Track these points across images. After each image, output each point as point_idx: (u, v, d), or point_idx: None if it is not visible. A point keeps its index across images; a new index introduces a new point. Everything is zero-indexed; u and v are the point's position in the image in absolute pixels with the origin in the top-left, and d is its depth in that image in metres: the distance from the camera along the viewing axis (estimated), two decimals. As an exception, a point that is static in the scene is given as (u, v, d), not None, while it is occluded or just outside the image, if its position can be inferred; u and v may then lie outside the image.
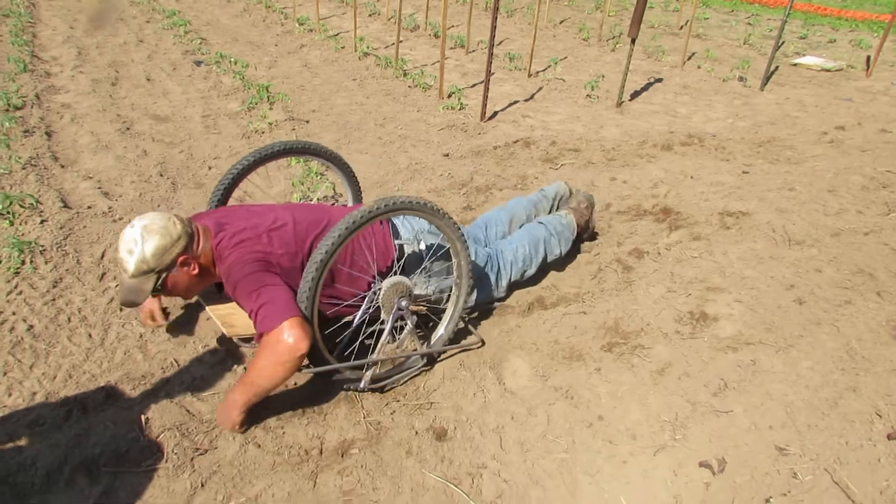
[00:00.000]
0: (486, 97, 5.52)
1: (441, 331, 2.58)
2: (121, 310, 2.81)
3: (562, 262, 3.28)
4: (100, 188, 4.17)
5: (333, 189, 4.06)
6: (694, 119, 5.77)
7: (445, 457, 2.17)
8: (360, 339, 2.45)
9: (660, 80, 6.99)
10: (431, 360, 2.59)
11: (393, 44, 8.34)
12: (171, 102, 5.92)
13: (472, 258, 2.73)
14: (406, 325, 2.42)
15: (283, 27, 9.35)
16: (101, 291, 2.99)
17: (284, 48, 8.12)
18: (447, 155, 4.84)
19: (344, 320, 2.46)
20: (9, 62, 6.78)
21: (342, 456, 2.16)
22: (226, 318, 2.41)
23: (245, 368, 2.53)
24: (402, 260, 2.51)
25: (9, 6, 9.50)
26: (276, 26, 9.42)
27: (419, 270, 2.55)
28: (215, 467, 2.11)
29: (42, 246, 3.40)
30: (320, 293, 2.16)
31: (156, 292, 2.16)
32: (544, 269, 3.12)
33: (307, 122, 5.49)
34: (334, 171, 3.15)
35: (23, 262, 3.29)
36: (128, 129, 5.24)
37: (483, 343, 2.69)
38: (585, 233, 3.35)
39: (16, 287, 2.99)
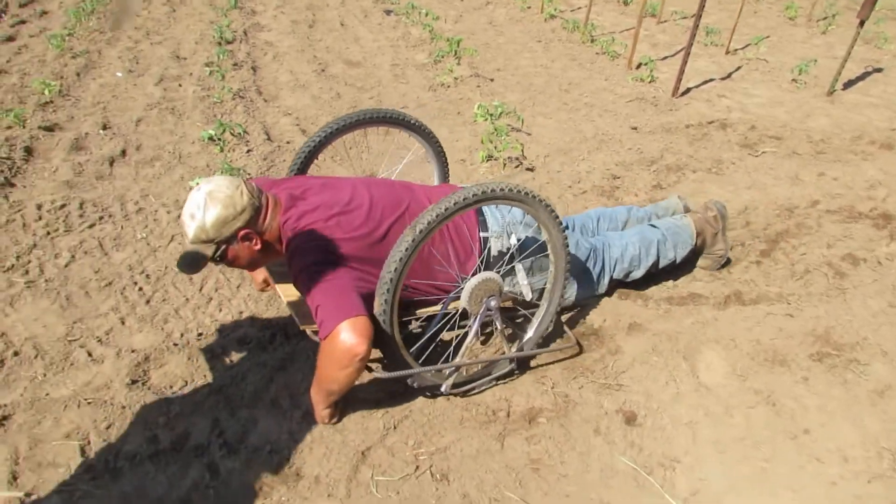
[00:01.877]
0: (682, 71, 5.17)
1: (531, 332, 2.33)
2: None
3: (757, 256, 3.03)
4: (298, 125, 4.40)
5: (522, 151, 4.00)
6: (923, 116, 5.06)
7: (635, 443, 2.09)
8: (437, 339, 2.27)
9: (879, 70, 6.19)
10: (521, 362, 2.37)
11: (579, 7, 8.05)
12: (363, 49, 6.11)
13: (574, 250, 2.49)
14: (495, 325, 2.21)
15: (466, -18, 9.30)
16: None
17: (470, 4, 8.09)
18: (635, 128, 4.61)
19: (425, 315, 2.28)
20: (221, -1, 7.30)
21: (529, 423, 2.14)
22: (300, 306, 2.18)
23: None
24: (485, 255, 2.26)
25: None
26: (459, -20, 9.39)
27: (504, 266, 2.27)
28: (406, 412, 2.17)
29: (248, 174, 3.65)
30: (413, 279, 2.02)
31: (215, 262, 2.01)
32: (654, 274, 2.78)
33: (492, 80, 5.44)
34: (421, 144, 2.86)
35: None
36: (323, 70, 5.48)
37: (581, 349, 2.46)
38: (711, 249, 2.89)
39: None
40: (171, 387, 2.28)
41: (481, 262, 2.24)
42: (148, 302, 2.68)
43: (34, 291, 2.70)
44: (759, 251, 3.12)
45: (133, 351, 2.41)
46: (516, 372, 2.34)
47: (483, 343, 2.48)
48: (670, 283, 2.86)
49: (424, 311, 2.25)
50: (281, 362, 2.37)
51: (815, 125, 4.77)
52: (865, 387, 2.32)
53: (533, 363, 2.39)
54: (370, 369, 2.05)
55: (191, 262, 1.96)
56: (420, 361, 2.17)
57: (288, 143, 4.13)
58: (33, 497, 1.88)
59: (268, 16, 7.14)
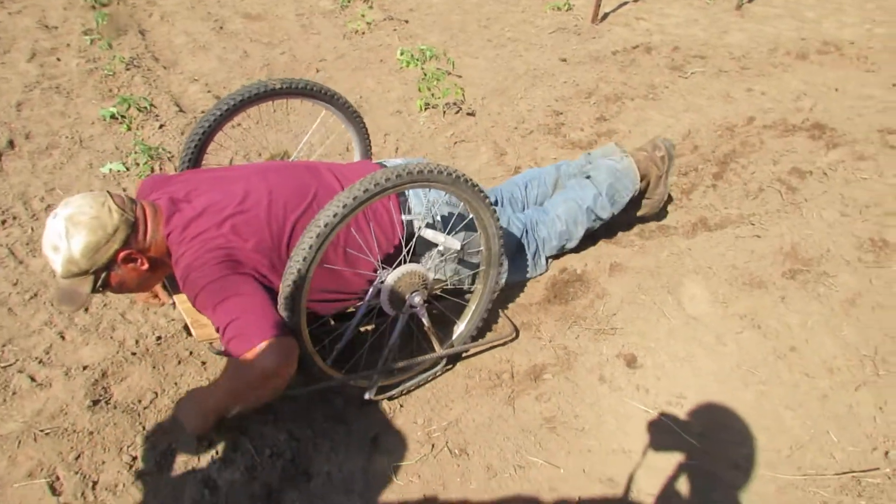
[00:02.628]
0: (599, -2, 5.09)
1: (463, 325, 2.11)
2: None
3: (702, 180, 3.06)
4: (209, 91, 4.02)
5: (462, 95, 3.82)
6: (825, 24, 5.25)
7: (640, 385, 2.07)
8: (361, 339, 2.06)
9: (776, -20, 6.37)
10: (455, 357, 2.18)
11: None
12: (260, 0, 5.63)
13: (507, 226, 2.30)
14: (423, 322, 1.96)
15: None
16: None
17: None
18: (564, 60, 4.52)
19: (345, 311, 2.05)
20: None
21: (535, 381, 2.08)
22: (196, 317, 1.87)
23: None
24: (413, 241, 1.95)
25: None
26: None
27: (431, 251, 2.03)
28: (448, 368, 2.06)
29: (170, 152, 3.30)
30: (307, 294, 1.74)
31: (99, 292, 1.73)
32: (595, 234, 2.62)
33: (406, 21, 5.17)
34: (336, 116, 2.51)
35: (152, 170, 3.21)
36: (221, 28, 5.01)
37: (518, 334, 2.26)
38: (652, 192, 2.64)
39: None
40: (139, 401, 2.04)
41: (407, 250, 1.92)
42: (86, 310, 2.38)
43: (-53, 317, 2.33)
44: (712, 174, 3.15)
45: (85, 368, 2.14)
46: (448, 367, 2.14)
47: (408, 335, 2.16)
48: (636, 219, 2.83)
49: (342, 311, 2.02)
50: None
51: (733, 41, 4.85)
52: (837, 297, 2.39)
53: (523, 318, 2.31)
54: None
55: (68, 300, 1.70)
56: (337, 365, 1.93)
57: (202, 112, 3.75)
58: (8, 552, 1.65)
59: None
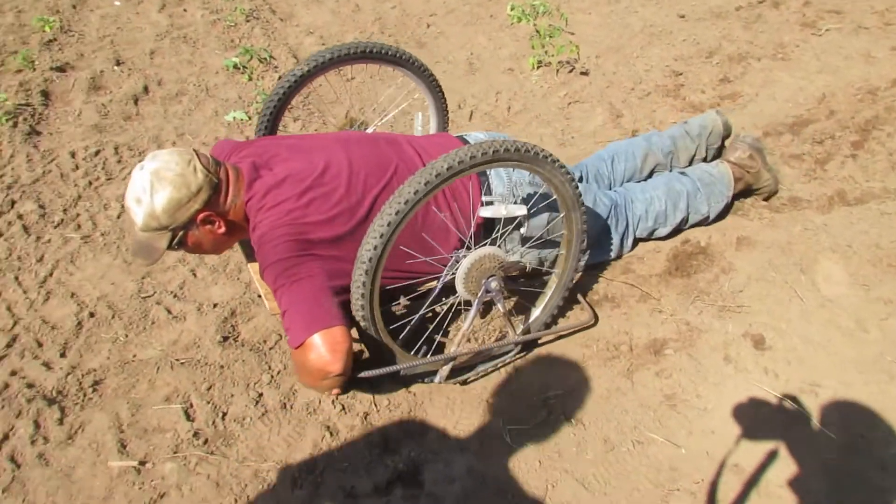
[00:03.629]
0: (725, -51, 4.72)
1: (539, 309, 2.03)
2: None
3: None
4: (324, 44, 4.07)
5: (577, 53, 3.68)
6: None
7: (769, 368, 1.97)
8: (426, 318, 2.00)
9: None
10: (530, 343, 2.08)
11: None
12: (371, -49, 5.61)
13: (591, 207, 2.18)
14: (497, 308, 1.88)
15: None
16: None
17: None
18: (683, 16, 4.25)
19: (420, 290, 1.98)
20: None
21: (655, 355, 2.02)
22: (269, 289, 1.81)
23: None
24: (495, 224, 1.89)
25: None
26: None
27: (510, 233, 1.96)
28: (522, 354, 2.04)
29: (290, 104, 3.37)
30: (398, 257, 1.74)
31: (173, 249, 1.74)
32: (680, 230, 2.45)
33: (518, -24, 5.01)
34: (413, 82, 2.40)
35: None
36: (333, -20, 5.03)
37: (597, 320, 2.15)
38: (758, 185, 2.52)
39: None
40: (264, 342, 2.14)
41: (487, 232, 1.90)
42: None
43: (92, 247, 2.52)
44: (851, 143, 2.90)
45: (215, 305, 2.26)
46: (522, 353, 2.06)
47: (482, 318, 2.16)
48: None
49: (415, 291, 1.97)
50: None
51: (876, -4, 4.41)
52: None
53: (642, 290, 2.24)
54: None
55: (143, 253, 1.71)
56: (407, 346, 1.90)
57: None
58: (148, 465, 1.79)
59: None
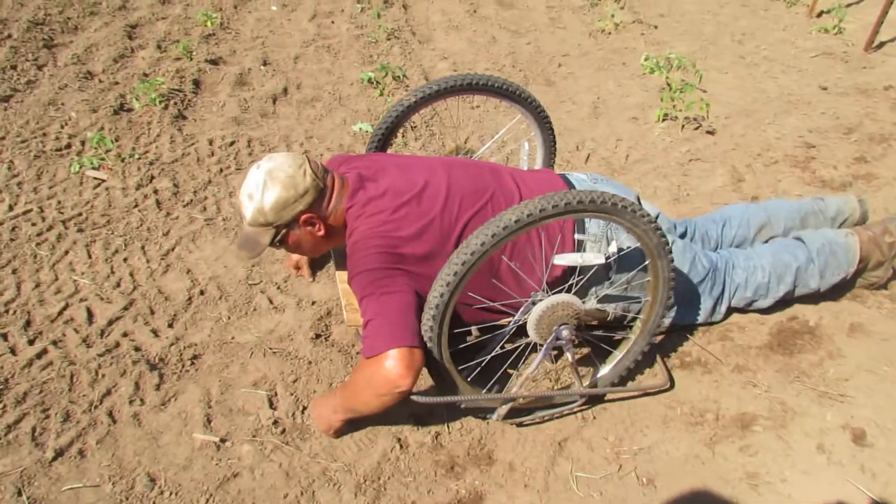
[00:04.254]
0: (880, 22, 4.49)
1: (611, 366, 1.97)
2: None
3: None
4: (455, 69, 4.21)
5: (706, 112, 3.61)
6: None
7: (866, 466, 1.82)
8: (496, 355, 1.95)
9: None
10: (597, 398, 2.01)
11: (745, -56, 7.22)
12: (513, -13, 5.76)
13: (687, 267, 2.10)
14: (566, 357, 1.84)
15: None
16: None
17: (621, -61, 7.45)
18: (825, 88, 4.07)
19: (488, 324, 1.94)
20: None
21: (742, 430, 1.92)
22: (351, 300, 1.91)
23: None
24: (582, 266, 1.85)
25: None
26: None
27: (595, 279, 1.91)
28: (603, 404, 2.00)
29: (413, 122, 3.51)
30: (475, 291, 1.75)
31: (275, 247, 1.83)
32: (788, 301, 2.29)
33: (655, 27, 4.98)
34: (524, 117, 2.43)
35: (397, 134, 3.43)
36: (475, 11, 5.21)
37: (672, 385, 2.05)
38: (868, 273, 2.31)
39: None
40: (352, 346, 2.22)
41: (566, 271, 1.87)
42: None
43: (213, 229, 2.71)
44: None
45: (313, 303, 2.37)
46: (586, 406, 2.00)
47: (551, 363, 2.13)
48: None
49: (488, 323, 1.93)
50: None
51: None
52: None
53: (738, 359, 2.14)
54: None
55: (248, 246, 1.80)
56: (472, 379, 1.87)
57: (445, 88, 3.94)
58: (227, 443, 1.89)
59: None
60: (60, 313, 2.29)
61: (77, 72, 3.94)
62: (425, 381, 1.96)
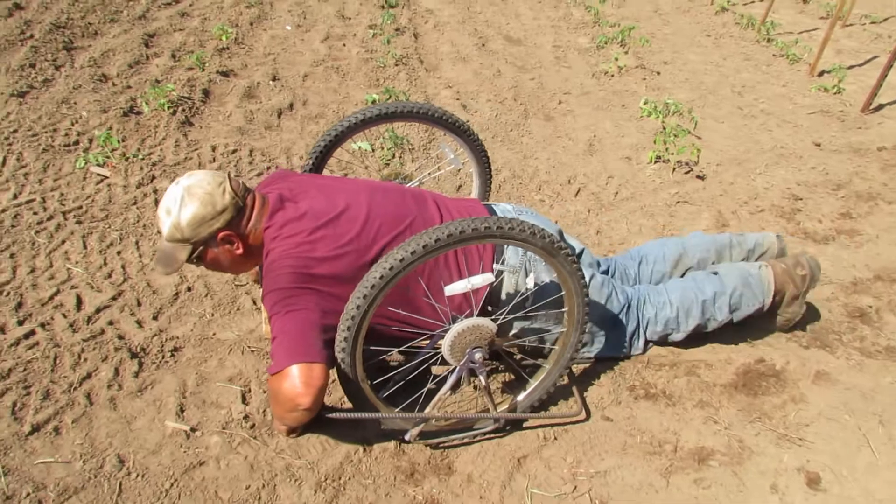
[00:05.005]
0: (878, 84, 4.62)
1: (528, 391, 2.01)
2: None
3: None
4: (458, 99, 4.33)
5: (697, 157, 3.71)
6: None
7: (817, 510, 1.87)
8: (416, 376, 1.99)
9: None
10: (515, 420, 2.04)
11: (752, 2, 7.44)
12: (523, 26, 5.93)
13: (604, 300, 2.17)
14: (479, 380, 1.89)
15: (632, -35, 8.84)
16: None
17: (634, -12, 7.67)
18: (818, 145, 4.18)
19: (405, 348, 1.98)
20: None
21: (699, 463, 1.96)
22: None
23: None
24: (500, 291, 1.95)
25: None
26: (625, -37, 8.94)
27: (513, 310, 1.96)
28: (566, 426, 2.05)
29: (412, 145, 3.61)
30: (389, 312, 1.80)
31: (192, 263, 1.84)
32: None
33: (658, 73, 5.12)
34: (462, 147, 2.49)
35: (393, 156, 3.53)
36: (483, 45, 5.36)
37: (588, 416, 2.08)
38: (783, 309, 2.36)
39: (389, 177, 3.19)
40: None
41: (486, 298, 1.93)
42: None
43: (206, 233, 2.79)
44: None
45: (294, 309, 2.43)
46: (506, 429, 2.03)
47: (474, 388, 2.17)
48: (866, 331, 2.54)
49: (407, 346, 1.97)
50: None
51: None
52: None
53: (702, 395, 2.19)
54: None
55: (165, 262, 1.81)
56: (396, 401, 1.94)
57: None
58: (197, 433, 1.94)
59: (430, -18, 7.09)
60: (51, 298, 2.36)
61: (92, 74, 4.08)
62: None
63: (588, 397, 2.15)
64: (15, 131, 3.36)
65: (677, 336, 2.29)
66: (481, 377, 1.87)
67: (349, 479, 1.84)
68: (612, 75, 4.97)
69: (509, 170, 3.53)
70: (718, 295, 2.25)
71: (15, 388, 1.99)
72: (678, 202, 3.41)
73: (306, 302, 1.71)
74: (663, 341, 2.34)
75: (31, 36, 4.49)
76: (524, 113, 4.20)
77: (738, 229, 3.23)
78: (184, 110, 3.62)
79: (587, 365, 2.29)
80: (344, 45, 5.01)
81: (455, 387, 1.88)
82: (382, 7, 5.90)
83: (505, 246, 1.96)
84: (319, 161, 2.36)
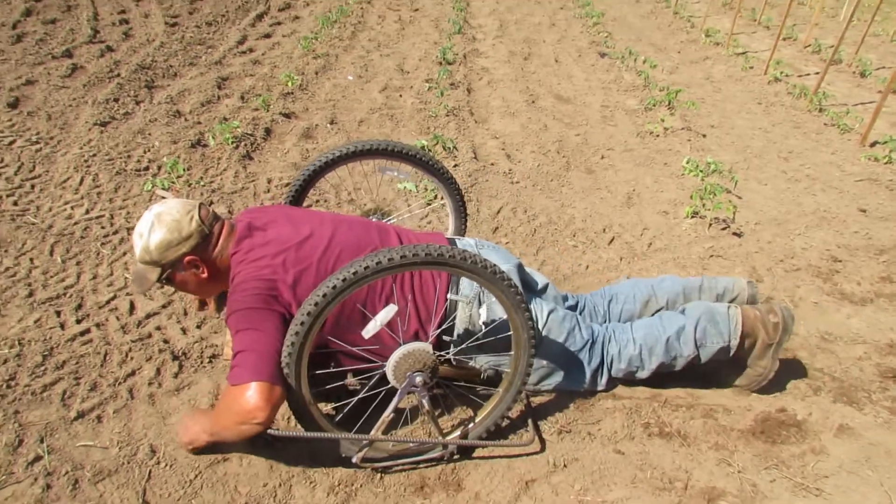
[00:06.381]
0: (931, 157, 4.58)
1: (479, 418, 2.04)
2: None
3: None
4: (503, 149, 4.50)
5: (733, 214, 3.75)
6: None
7: (829, 560, 1.83)
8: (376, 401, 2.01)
9: None
10: (466, 448, 2.06)
11: (807, 74, 7.48)
12: (574, 86, 6.14)
13: (563, 336, 2.20)
14: (422, 405, 1.92)
15: (687, 35, 9.04)
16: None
17: (687, 56, 7.84)
18: (864, 211, 4.14)
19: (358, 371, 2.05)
20: (448, 23, 7.73)
21: (708, 503, 1.96)
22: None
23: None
24: (452, 319, 2.03)
25: (454, -25, 10.88)
26: (680, 33, 9.15)
27: (467, 340, 2.05)
28: (577, 455, 2.09)
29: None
30: (337, 336, 1.89)
31: (162, 283, 1.94)
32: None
33: (704, 136, 5.20)
34: (439, 188, 2.61)
35: (435, 196, 3.70)
36: (533, 101, 5.58)
37: (543, 448, 2.10)
38: (754, 361, 2.30)
39: (426, 217, 3.35)
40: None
41: (440, 327, 2.02)
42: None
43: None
44: None
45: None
46: (455, 456, 2.04)
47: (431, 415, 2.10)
48: (892, 388, 2.50)
49: (358, 367, 2.03)
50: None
51: None
52: None
53: (718, 438, 2.19)
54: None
55: (137, 281, 1.93)
56: (340, 422, 1.96)
57: (492, 164, 4.23)
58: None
59: (487, 44, 7.43)
60: (108, 302, 2.57)
61: (168, 110, 4.45)
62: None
63: (600, 431, 2.19)
64: (94, 155, 3.69)
65: (642, 374, 2.30)
66: (423, 401, 1.91)
67: (361, 486, 1.92)
68: (658, 135, 5.07)
69: (546, 216, 3.64)
70: (681, 330, 2.24)
71: (67, 377, 2.18)
72: (712, 256, 3.44)
73: (271, 322, 1.80)
74: (630, 379, 2.35)
75: (118, 74, 4.94)
76: (566, 165, 4.34)
77: (771, 286, 3.23)
78: (246, 145, 3.90)
79: (551, 396, 2.32)
80: (400, 95, 5.30)
81: (397, 409, 1.92)
82: (440, 63, 6.22)
83: (459, 276, 2.04)
84: (297, 196, 2.48)
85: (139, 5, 7.41)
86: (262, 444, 1.99)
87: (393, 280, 1.96)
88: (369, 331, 1.77)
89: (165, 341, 2.41)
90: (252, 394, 1.69)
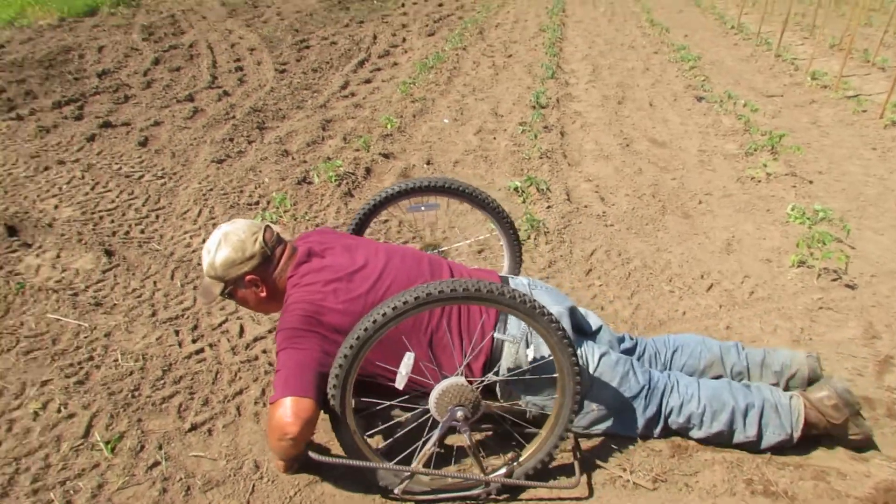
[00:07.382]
0: None
1: (523, 458, 2.01)
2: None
3: None
4: (597, 192, 4.49)
5: (846, 265, 3.57)
6: None
7: None
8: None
9: None
10: (512, 488, 2.01)
11: (928, 120, 7.04)
12: (670, 130, 6.06)
13: (618, 380, 2.15)
14: (465, 441, 1.91)
15: (791, 78, 8.74)
16: (585, 286, 3.19)
17: (791, 100, 7.57)
18: None
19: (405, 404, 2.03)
20: (541, 68, 7.86)
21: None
22: None
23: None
24: (499, 356, 2.03)
25: (547, 23, 11.07)
26: (783, 76, 8.86)
27: (513, 378, 2.02)
28: (503, 497, 2.02)
29: (547, 228, 3.80)
30: (385, 365, 1.90)
31: (224, 297, 2.05)
32: (727, 443, 2.22)
33: (811, 182, 4.99)
34: (494, 226, 2.64)
35: (528, 237, 3.73)
36: (627, 145, 5.55)
37: (591, 493, 2.02)
38: (847, 434, 2.22)
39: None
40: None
41: (486, 365, 2.04)
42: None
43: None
44: None
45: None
46: (501, 496, 2.01)
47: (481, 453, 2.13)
48: None
49: (400, 399, 2.04)
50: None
51: None
52: None
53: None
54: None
55: (203, 293, 2.04)
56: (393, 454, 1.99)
57: (586, 206, 4.23)
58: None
59: (580, 88, 7.48)
60: (221, 324, 2.75)
61: (276, 149, 4.75)
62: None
63: (698, 483, 2.11)
64: (211, 190, 3.99)
65: (697, 433, 2.22)
66: (465, 436, 1.91)
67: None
68: (759, 181, 4.91)
69: (640, 260, 3.59)
70: (750, 408, 2.18)
71: (183, 392, 2.34)
72: (821, 308, 3.27)
73: (311, 343, 1.87)
74: (682, 433, 2.27)
75: (234, 116, 5.34)
76: (662, 209, 4.27)
77: (889, 343, 3.03)
78: (347, 183, 4.10)
79: (601, 439, 2.26)
80: (494, 138, 5.41)
81: (443, 445, 1.96)
82: (534, 107, 6.32)
83: (507, 316, 2.07)
84: (360, 226, 2.59)
85: (252, 54, 8.00)
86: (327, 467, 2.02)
87: (441, 313, 2.01)
88: (399, 382, 1.83)
89: (270, 364, 2.54)
90: (283, 410, 1.76)
